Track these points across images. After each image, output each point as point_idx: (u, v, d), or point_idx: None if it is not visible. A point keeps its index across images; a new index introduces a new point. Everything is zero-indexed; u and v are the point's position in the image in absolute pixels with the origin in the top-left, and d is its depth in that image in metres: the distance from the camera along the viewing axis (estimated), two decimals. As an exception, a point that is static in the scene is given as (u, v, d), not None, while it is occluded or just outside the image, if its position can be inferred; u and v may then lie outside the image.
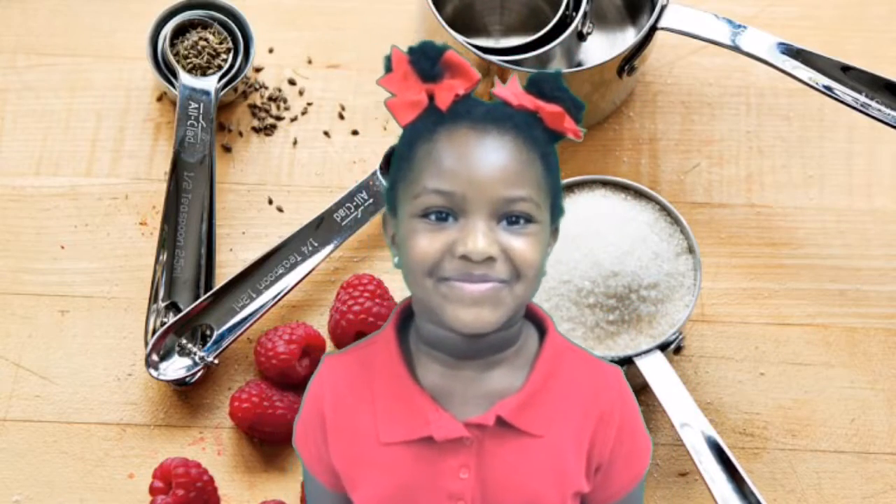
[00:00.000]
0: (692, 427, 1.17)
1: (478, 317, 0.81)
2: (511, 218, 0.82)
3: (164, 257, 1.28)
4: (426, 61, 0.82)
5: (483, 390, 0.85)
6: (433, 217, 0.82)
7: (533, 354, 0.89)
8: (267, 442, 1.24)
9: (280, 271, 1.27)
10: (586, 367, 0.90)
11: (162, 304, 1.27)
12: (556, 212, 0.86)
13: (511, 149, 0.82)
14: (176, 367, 1.24)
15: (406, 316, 0.89)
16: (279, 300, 1.26)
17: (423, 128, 0.83)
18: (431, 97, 0.83)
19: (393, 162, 0.86)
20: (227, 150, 1.36)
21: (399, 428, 0.84)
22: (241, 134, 1.36)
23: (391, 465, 0.85)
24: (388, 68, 0.84)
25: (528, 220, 0.82)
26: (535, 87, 0.84)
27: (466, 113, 0.82)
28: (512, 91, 0.83)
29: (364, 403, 0.86)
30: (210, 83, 1.33)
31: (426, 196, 0.81)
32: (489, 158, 0.81)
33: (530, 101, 0.83)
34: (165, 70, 1.34)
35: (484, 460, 0.84)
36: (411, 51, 0.83)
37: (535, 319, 0.92)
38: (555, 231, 0.88)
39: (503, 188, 0.80)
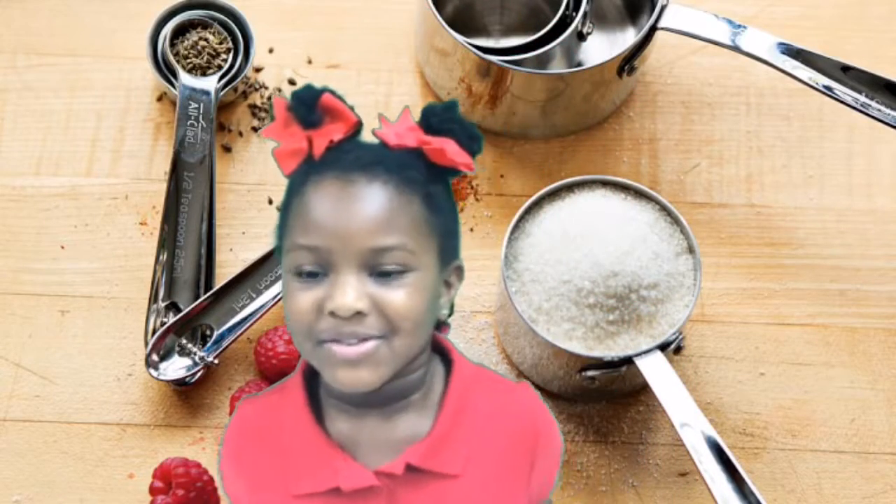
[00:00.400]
0: (692, 427, 1.17)
1: (356, 378, 0.78)
2: (385, 268, 0.78)
3: (164, 257, 1.28)
4: (303, 108, 0.80)
5: (389, 437, 0.83)
6: (305, 274, 0.80)
7: (440, 393, 0.87)
8: (267, 442, 1.24)
9: (280, 271, 1.27)
10: (497, 394, 0.87)
11: (162, 304, 1.27)
12: (450, 253, 0.81)
13: (380, 196, 0.78)
14: (176, 367, 1.24)
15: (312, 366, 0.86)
16: (279, 300, 1.26)
17: (297, 180, 0.81)
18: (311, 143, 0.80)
19: (279, 214, 0.84)
20: (227, 150, 1.35)
21: (308, 480, 0.82)
22: (241, 134, 1.36)
23: None
24: (272, 117, 0.81)
25: (404, 269, 0.79)
26: (424, 120, 0.81)
27: (335, 161, 0.80)
28: (394, 130, 0.80)
29: (274, 455, 0.83)
30: (210, 83, 1.33)
31: (295, 252, 0.80)
32: (354, 208, 0.78)
33: (413, 139, 0.80)
34: (165, 70, 1.34)
35: None
36: (292, 97, 0.80)
37: (439, 349, 0.89)
38: (457, 269, 0.84)
39: (370, 238, 0.78)
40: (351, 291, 0.77)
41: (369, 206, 0.78)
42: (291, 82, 1.38)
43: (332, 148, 0.80)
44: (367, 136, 0.87)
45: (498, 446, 0.84)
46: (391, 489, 0.81)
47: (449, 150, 0.80)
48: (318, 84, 0.82)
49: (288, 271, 0.81)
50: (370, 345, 0.78)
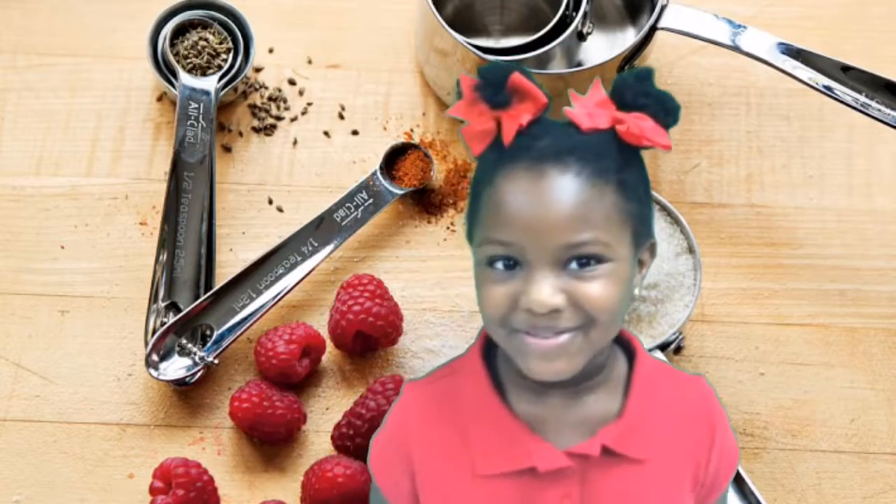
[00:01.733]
0: (692, 427, 1.17)
1: (552, 369, 0.77)
2: (580, 259, 0.77)
3: (164, 257, 1.28)
4: (491, 88, 0.77)
5: (577, 417, 0.82)
6: (500, 265, 0.78)
7: (623, 377, 0.86)
8: (267, 442, 1.24)
9: (280, 271, 1.27)
10: (677, 384, 0.87)
11: (162, 304, 1.27)
12: (644, 234, 0.79)
13: (573, 188, 0.76)
14: (176, 367, 1.24)
15: (490, 343, 0.85)
16: (279, 300, 1.26)
17: (487, 167, 0.79)
18: (500, 125, 0.78)
19: (468, 201, 0.82)
20: (227, 150, 1.36)
21: (498, 459, 0.80)
22: (241, 134, 1.36)
23: (489, 498, 0.81)
24: (459, 95, 0.79)
25: (599, 259, 0.77)
26: (618, 94, 0.78)
27: (526, 150, 0.77)
28: (585, 109, 0.77)
29: (455, 435, 0.82)
30: (210, 83, 1.33)
31: (488, 245, 0.78)
32: (548, 204, 0.76)
33: (606, 118, 0.77)
34: (165, 70, 1.34)
35: (588, 489, 0.80)
36: (479, 75, 0.78)
37: (621, 340, 0.88)
38: (651, 247, 0.82)
39: (563, 235, 0.76)
40: (546, 288, 0.76)
41: (563, 201, 0.75)
42: (291, 82, 1.38)
43: (521, 133, 0.77)
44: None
45: (679, 434, 0.83)
46: (583, 469, 0.79)
47: (646, 129, 0.77)
48: (504, 62, 0.78)
49: (480, 262, 0.80)
50: (566, 337, 0.77)
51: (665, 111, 0.78)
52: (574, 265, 0.76)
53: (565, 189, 0.75)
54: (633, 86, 0.77)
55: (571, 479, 0.79)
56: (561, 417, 0.81)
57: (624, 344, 0.88)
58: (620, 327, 0.80)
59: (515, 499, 0.79)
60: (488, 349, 0.84)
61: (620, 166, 0.77)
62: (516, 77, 0.77)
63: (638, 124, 0.76)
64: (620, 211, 0.77)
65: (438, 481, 0.81)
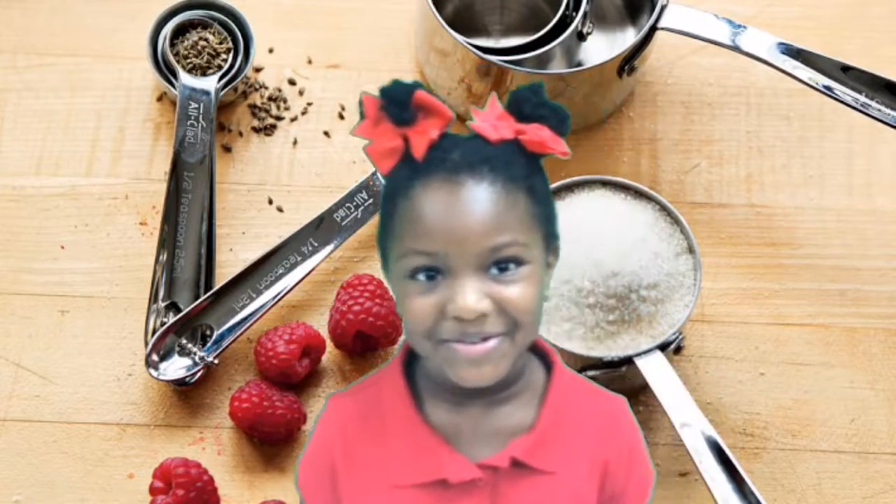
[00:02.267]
0: (692, 427, 1.17)
1: (481, 375, 0.80)
2: (500, 265, 0.79)
3: (164, 257, 1.28)
4: (396, 106, 0.80)
5: (492, 428, 0.84)
6: (422, 276, 0.80)
7: (540, 388, 0.88)
8: (267, 442, 1.24)
9: (280, 271, 1.27)
10: (594, 398, 0.88)
11: (162, 304, 1.27)
12: (551, 237, 0.83)
13: (489, 196, 0.79)
14: (176, 367, 1.24)
15: (410, 355, 0.87)
16: (279, 300, 1.26)
17: (400, 181, 0.81)
18: (407, 141, 0.80)
19: (379, 217, 0.84)
20: (227, 150, 1.35)
21: (412, 471, 0.82)
22: (241, 134, 1.36)
23: None
24: (362, 115, 0.81)
25: (518, 262, 0.80)
26: (515, 107, 0.82)
27: (440, 162, 0.80)
28: (489, 122, 0.80)
29: (375, 446, 0.84)
30: (210, 83, 1.33)
31: (410, 257, 0.80)
32: (467, 212, 0.78)
33: (509, 129, 0.81)
34: (165, 70, 1.34)
35: (498, 501, 0.82)
36: (382, 94, 0.80)
37: (539, 352, 0.90)
38: (555, 249, 0.86)
39: (486, 239, 0.78)
40: (472, 294, 0.78)
41: (482, 208, 0.78)
42: (291, 82, 1.38)
43: (432, 147, 0.80)
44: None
45: (590, 449, 0.85)
46: (494, 482, 0.82)
47: (546, 138, 0.81)
48: (405, 80, 0.82)
49: (402, 275, 0.81)
50: (493, 342, 0.79)
51: (560, 121, 0.81)
52: (494, 270, 0.78)
53: (483, 197, 0.78)
54: (530, 98, 0.80)
55: (483, 491, 0.81)
56: (477, 428, 0.82)
57: (542, 356, 0.90)
58: (539, 330, 0.82)
59: None
60: (409, 361, 0.85)
61: (528, 173, 0.81)
62: (420, 94, 0.79)
63: (538, 133, 0.80)
64: (532, 215, 0.80)
65: (358, 493, 0.83)
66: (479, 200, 0.79)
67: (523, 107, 0.81)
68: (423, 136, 0.80)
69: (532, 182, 0.82)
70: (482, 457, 0.83)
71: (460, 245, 0.78)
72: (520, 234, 0.80)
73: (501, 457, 0.82)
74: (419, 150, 0.80)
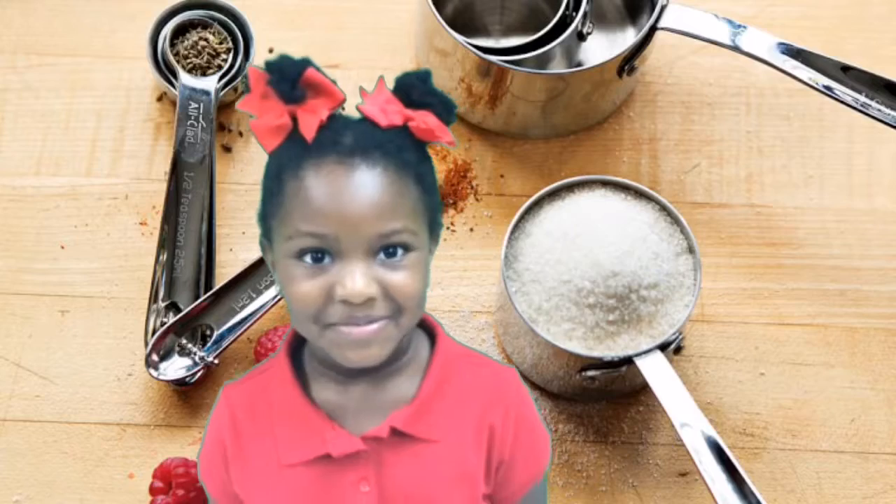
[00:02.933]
0: (692, 427, 1.17)
1: (366, 355, 0.81)
2: (388, 250, 0.80)
3: (164, 257, 1.28)
4: (285, 83, 0.79)
5: (377, 402, 0.85)
6: (308, 258, 0.80)
7: (425, 362, 0.89)
8: (267, 442, 1.24)
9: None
10: (480, 369, 0.89)
11: (162, 304, 1.27)
12: (436, 225, 0.84)
13: (381, 181, 0.79)
14: (176, 367, 1.24)
15: (297, 340, 0.88)
16: (279, 300, 1.26)
17: (289, 160, 0.80)
18: (295, 119, 0.80)
19: (262, 191, 0.83)
20: (227, 150, 1.36)
21: (297, 449, 0.84)
22: (241, 134, 1.36)
23: (293, 486, 0.84)
24: (247, 88, 0.80)
25: (406, 248, 0.81)
26: (403, 93, 0.81)
27: (333, 144, 0.79)
28: (379, 107, 0.80)
29: (263, 429, 0.85)
30: (210, 83, 1.33)
31: (299, 238, 0.80)
32: (359, 195, 0.78)
33: (398, 115, 0.81)
34: (165, 70, 1.34)
35: (383, 471, 0.83)
36: (269, 69, 0.79)
37: (424, 326, 0.91)
38: (436, 238, 0.86)
39: (377, 224, 0.79)
40: (360, 279, 0.79)
41: (374, 192, 0.79)
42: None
43: (323, 127, 0.79)
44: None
45: (473, 417, 0.86)
46: (378, 452, 0.83)
47: (434, 125, 0.81)
48: (295, 55, 0.80)
49: (287, 255, 0.81)
50: (379, 325, 0.80)
51: (446, 110, 0.81)
52: (382, 255, 0.79)
53: (375, 182, 0.78)
54: (418, 85, 0.80)
55: (367, 462, 0.83)
56: (361, 405, 0.84)
57: (428, 330, 0.91)
58: (423, 312, 0.84)
59: (317, 485, 0.83)
60: (297, 346, 0.87)
61: (417, 160, 0.81)
62: (311, 72, 0.78)
63: (426, 121, 0.80)
64: (420, 202, 0.81)
65: (248, 475, 0.85)
66: (372, 185, 0.78)
67: (411, 93, 0.81)
68: (312, 116, 0.79)
69: (420, 169, 0.81)
70: (366, 430, 0.84)
71: (352, 229, 0.78)
72: (410, 222, 0.80)
73: (382, 428, 0.83)
74: (309, 130, 0.79)
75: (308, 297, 0.80)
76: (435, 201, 0.83)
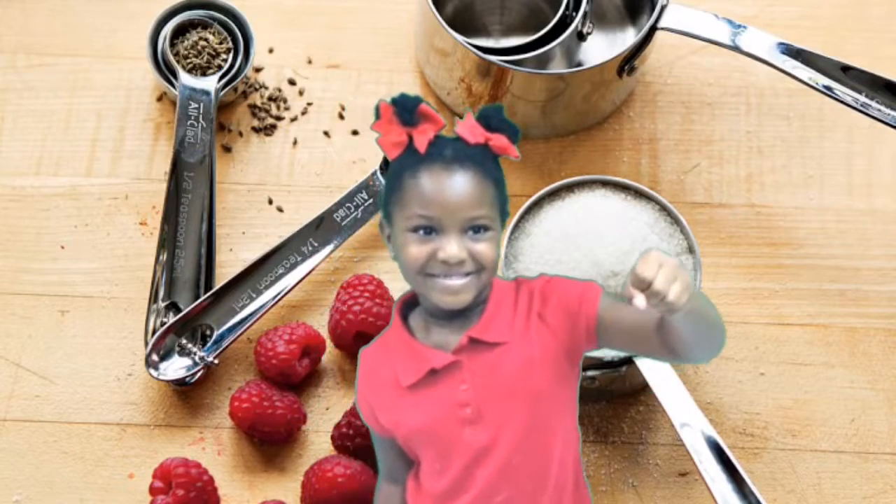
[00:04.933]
0: (692, 427, 1.17)
1: (456, 300, 1.10)
2: (474, 228, 1.09)
3: (164, 257, 1.28)
4: (406, 112, 1.09)
5: (463, 332, 1.11)
6: (421, 232, 1.09)
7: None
8: (267, 442, 1.24)
9: (280, 271, 1.27)
10: (521, 286, 1.13)
11: (162, 304, 1.27)
12: (504, 215, 1.12)
13: (472, 181, 1.09)
14: (176, 367, 1.24)
15: (404, 305, 1.14)
16: (279, 300, 1.26)
17: (409, 164, 1.10)
18: (411, 138, 1.10)
19: (386, 184, 1.12)
20: (227, 150, 1.36)
21: (412, 372, 1.11)
22: (241, 134, 1.36)
23: (418, 400, 1.12)
24: (377, 115, 1.09)
25: (486, 228, 1.09)
26: (484, 120, 1.10)
27: (439, 154, 1.09)
28: (469, 130, 1.10)
29: (388, 368, 1.13)
30: (210, 83, 1.33)
31: (415, 219, 1.09)
32: (457, 190, 1.09)
33: (481, 135, 1.10)
34: (165, 70, 1.34)
35: (474, 374, 1.11)
36: (394, 102, 1.09)
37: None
38: (503, 224, 1.12)
39: (468, 210, 1.09)
40: (456, 246, 1.08)
41: (467, 188, 1.09)
42: (291, 82, 1.38)
43: (431, 143, 1.09)
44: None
45: (524, 316, 1.12)
46: (469, 359, 1.11)
47: (505, 144, 1.11)
48: (410, 93, 1.09)
49: (405, 230, 1.10)
50: (467, 279, 1.09)
51: (514, 133, 1.10)
52: (470, 232, 1.09)
53: (467, 182, 1.09)
54: (495, 115, 1.10)
55: (462, 370, 1.11)
56: (453, 335, 1.12)
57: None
58: (496, 272, 1.12)
59: (432, 395, 1.11)
60: (404, 312, 1.14)
61: (494, 168, 1.11)
62: (424, 107, 1.09)
63: (500, 141, 1.10)
64: (495, 197, 1.11)
65: (384, 402, 1.14)
66: (465, 184, 1.09)
67: (490, 121, 1.10)
68: (424, 136, 1.10)
69: (496, 175, 1.11)
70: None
71: (451, 213, 1.09)
72: (489, 210, 1.10)
73: (462, 339, 1.11)
74: (422, 145, 1.09)
75: (419, 256, 1.09)
76: (504, 197, 1.12)
